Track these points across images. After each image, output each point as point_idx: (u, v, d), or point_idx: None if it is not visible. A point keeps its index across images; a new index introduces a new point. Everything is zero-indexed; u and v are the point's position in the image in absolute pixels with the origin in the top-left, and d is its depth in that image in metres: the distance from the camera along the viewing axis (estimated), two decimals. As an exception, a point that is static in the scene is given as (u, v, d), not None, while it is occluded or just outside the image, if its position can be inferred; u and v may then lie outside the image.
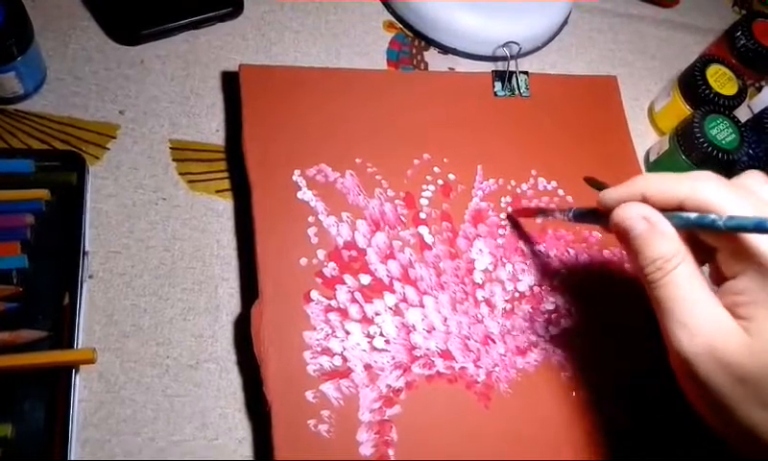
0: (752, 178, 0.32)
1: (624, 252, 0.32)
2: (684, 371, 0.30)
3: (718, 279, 0.31)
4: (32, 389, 0.36)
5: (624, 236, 0.32)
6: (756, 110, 0.55)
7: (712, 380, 0.29)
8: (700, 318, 0.29)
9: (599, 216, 0.36)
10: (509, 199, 0.47)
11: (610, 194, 0.34)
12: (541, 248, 0.46)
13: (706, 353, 0.29)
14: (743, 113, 0.55)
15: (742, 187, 0.31)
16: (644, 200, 0.32)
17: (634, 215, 0.32)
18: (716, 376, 0.29)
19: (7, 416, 0.35)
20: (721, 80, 0.54)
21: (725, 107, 0.52)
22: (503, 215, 0.47)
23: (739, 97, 0.53)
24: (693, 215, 0.30)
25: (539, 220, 0.46)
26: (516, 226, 0.47)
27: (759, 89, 0.61)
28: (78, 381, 0.37)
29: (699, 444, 0.42)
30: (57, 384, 0.36)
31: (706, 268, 0.33)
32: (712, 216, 0.29)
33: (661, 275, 0.30)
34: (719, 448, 0.42)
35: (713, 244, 0.31)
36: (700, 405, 0.31)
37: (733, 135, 0.50)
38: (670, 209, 0.31)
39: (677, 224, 0.31)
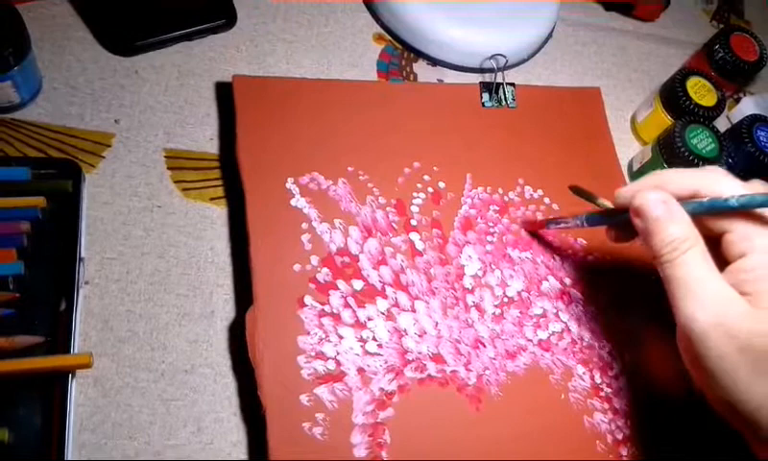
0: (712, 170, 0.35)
1: (641, 234, 0.35)
2: (691, 343, 0.32)
3: (720, 267, 0.34)
4: (28, 394, 0.36)
5: (643, 218, 0.35)
6: (735, 121, 0.57)
7: (720, 350, 0.31)
8: (710, 292, 0.32)
9: (611, 216, 0.38)
10: (497, 207, 0.48)
11: (626, 189, 0.37)
12: (528, 254, 0.47)
13: (715, 324, 0.31)
14: (722, 124, 0.57)
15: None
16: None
17: (653, 199, 0.34)
18: (724, 345, 0.31)
19: (3, 421, 0.35)
20: (701, 91, 0.55)
21: (704, 117, 0.54)
22: (514, 223, 0.48)
23: (718, 108, 0.55)
24: (706, 200, 0.33)
25: (549, 228, 0.47)
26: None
27: (737, 100, 0.63)
28: (74, 386, 0.37)
29: (689, 445, 0.43)
30: (53, 389, 0.36)
31: None
32: (725, 196, 0.32)
33: (677, 255, 0.33)
34: (705, 451, 0.43)
35: (723, 229, 0.34)
36: (704, 380, 0.33)
37: (713, 145, 0.52)
38: (684, 199, 0.34)
39: (690, 210, 0.34)
